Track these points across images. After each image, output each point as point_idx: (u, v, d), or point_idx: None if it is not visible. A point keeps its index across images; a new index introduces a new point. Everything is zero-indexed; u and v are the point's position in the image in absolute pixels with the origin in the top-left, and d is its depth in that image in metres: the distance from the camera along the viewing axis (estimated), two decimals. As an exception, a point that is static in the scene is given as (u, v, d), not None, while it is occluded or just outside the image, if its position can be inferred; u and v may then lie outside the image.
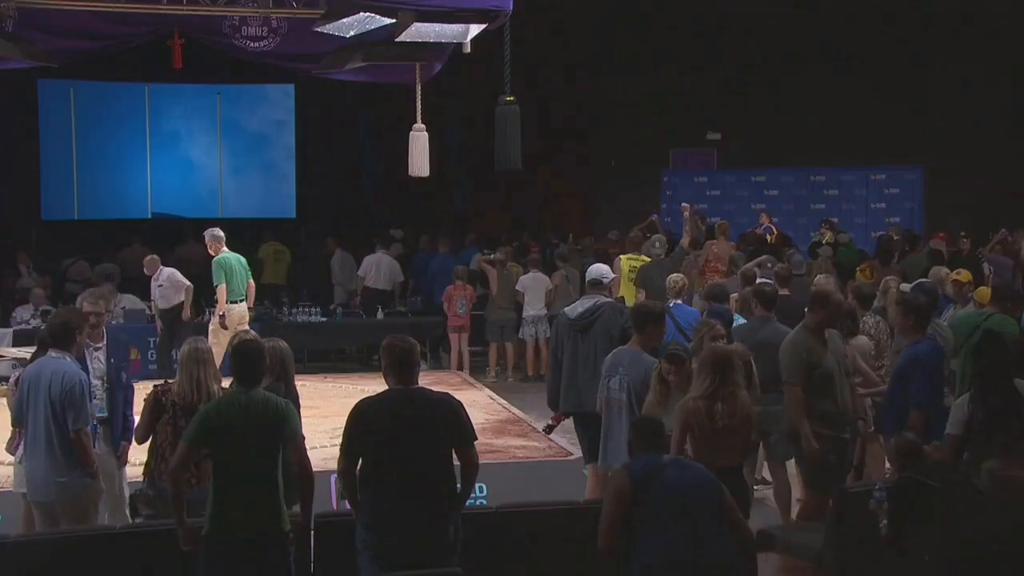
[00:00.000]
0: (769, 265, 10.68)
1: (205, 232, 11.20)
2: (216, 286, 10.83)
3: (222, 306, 10.77)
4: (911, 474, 5.23)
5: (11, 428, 6.39)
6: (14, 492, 6.54)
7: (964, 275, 9.37)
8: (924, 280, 9.65)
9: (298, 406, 5.93)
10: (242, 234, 16.90)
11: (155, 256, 12.74)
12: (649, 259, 11.65)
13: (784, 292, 9.13)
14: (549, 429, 7.96)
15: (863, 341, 7.80)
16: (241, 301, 10.94)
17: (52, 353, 6.03)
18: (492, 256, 13.68)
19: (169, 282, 12.30)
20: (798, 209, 19.33)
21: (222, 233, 11.10)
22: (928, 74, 18.53)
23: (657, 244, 11.60)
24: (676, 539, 4.63)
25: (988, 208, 17.03)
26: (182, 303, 12.27)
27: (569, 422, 7.68)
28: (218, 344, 10.38)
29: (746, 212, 18.81)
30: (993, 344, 5.92)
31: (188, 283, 12.24)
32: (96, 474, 6.08)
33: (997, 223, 16.02)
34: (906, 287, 9.19)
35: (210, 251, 11.02)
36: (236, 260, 11.00)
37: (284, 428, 5.04)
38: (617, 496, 4.78)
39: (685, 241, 11.89)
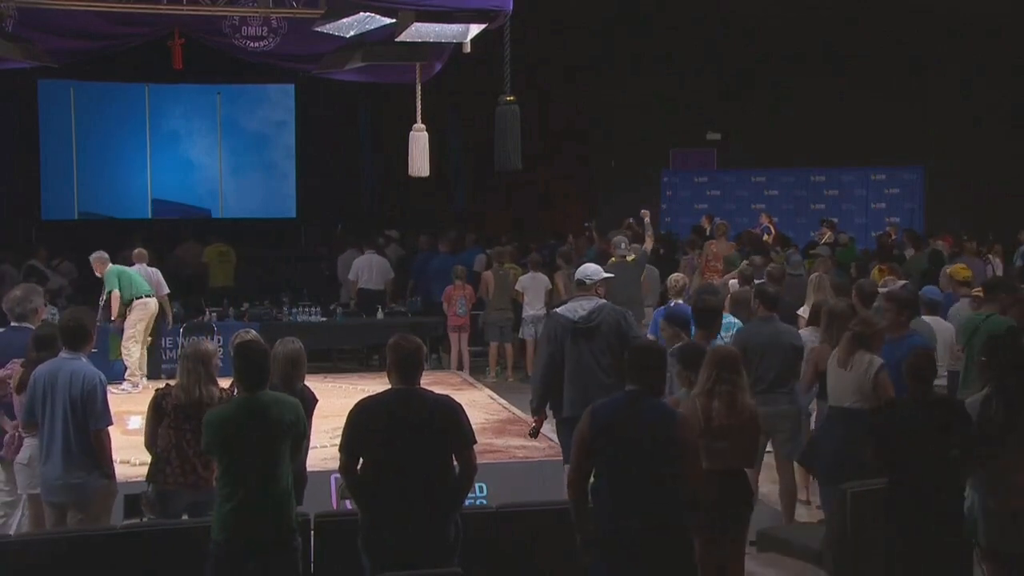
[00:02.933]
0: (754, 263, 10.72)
1: (91, 258, 11.91)
2: (109, 291, 11.54)
3: (115, 310, 11.48)
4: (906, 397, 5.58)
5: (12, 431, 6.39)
6: (20, 494, 6.53)
7: (962, 272, 9.36)
8: (906, 283, 9.70)
9: (309, 407, 5.93)
10: (242, 234, 17.03)
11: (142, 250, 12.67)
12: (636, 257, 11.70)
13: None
14: (535, 433, 7.58)
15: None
16: (150, 296, 11.73)
17: (64, 354, 6.02)
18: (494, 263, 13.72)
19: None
20: (798, 209, 19.36)
21: (105, 254, 11.85)
22: (928, 74, 18.54)
23: (623, 245, 11.59)
24: (625, 492, 4.70)
25: (988, 208, 17.04)
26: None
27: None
28: (135, 337, 11.60)
29: (746, 212, 18.84)
30: (1011, 343, 5.88)
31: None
32: (112, 475, 6.09)
33: (997, 223, 16.04)
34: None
35: (97, 273, 11.76)
36: (123, 268, 11.80)
37: (290, 430, 5.07)
38: (578, 441, 4.88)
39: (648, 245, 11.92)
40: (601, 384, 6.90)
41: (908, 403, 5.58)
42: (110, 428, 6.08)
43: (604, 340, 7.01)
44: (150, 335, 12.01)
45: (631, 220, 15.04)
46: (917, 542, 5.42)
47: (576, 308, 7.18)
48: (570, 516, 4.89)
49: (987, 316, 7.65)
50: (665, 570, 4.74)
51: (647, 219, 12.24)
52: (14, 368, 6.43)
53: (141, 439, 6.07)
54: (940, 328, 8.00)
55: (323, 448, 7.69)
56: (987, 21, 17.73)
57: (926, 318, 8.01)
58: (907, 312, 7.17)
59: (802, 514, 7.72)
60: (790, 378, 7.38)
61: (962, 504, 5.45)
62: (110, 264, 11.74)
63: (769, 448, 7.48)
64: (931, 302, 8.34)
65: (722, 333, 7.84)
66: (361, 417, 4.94)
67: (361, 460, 4.95)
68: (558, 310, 7.41)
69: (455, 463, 5.00)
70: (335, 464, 5.16)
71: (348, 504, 6.04)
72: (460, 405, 5.08)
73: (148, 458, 6.02)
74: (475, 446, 5.06)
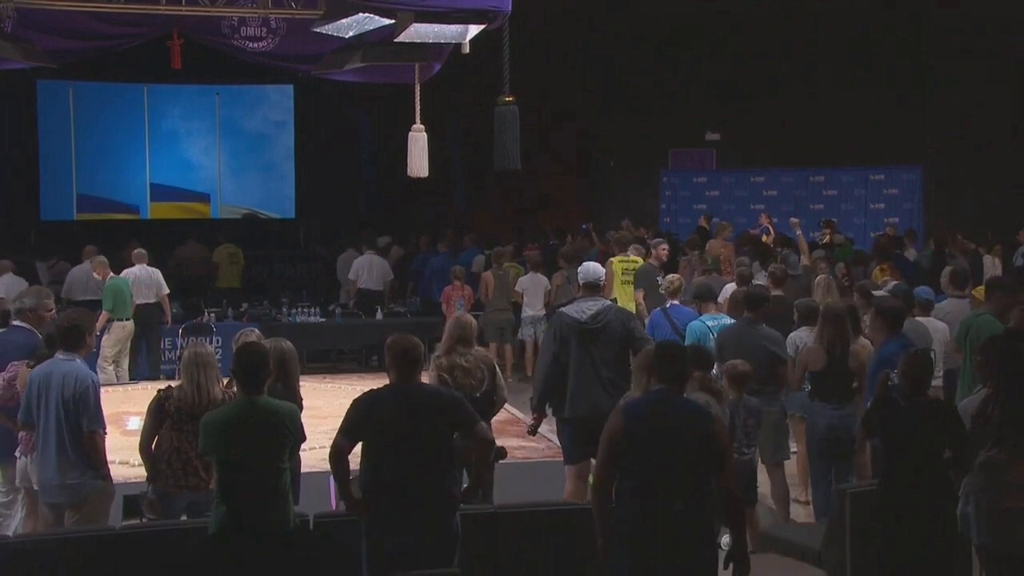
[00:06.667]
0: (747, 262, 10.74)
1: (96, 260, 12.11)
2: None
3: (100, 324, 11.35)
4: (895, 394, 5.62)
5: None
6: (20, 489, 6.54)
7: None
8: (899, 283, 9.71)
9: (300, 408, 5.94)
10: (241, 234, 17.03)
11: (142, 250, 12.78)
12: (639, 260, 11.70)
13: (777, 292, 9.15)
14: (534, 430, 7.60)
15: (868, 343, 7.76)
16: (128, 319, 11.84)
17: (60, 355, 6.02)
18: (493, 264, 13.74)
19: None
20: (797, 209, 19.25)
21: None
22: (928, 74, 18.54)
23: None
24: (658, 491, 4.61)
25: (988, 208, 17.02)
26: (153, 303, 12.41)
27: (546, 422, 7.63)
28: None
29: (745, 212, 18.80)
30: (1008, 345, 5.87)
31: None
32: (108, 476, 6.08)
33: (997, 223, 16.02)
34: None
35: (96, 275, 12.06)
36: (124, 283, 11.91)
37: (288, 433, 5.09)
38: (609, 441, 4.75)
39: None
40: (605, 386, 6.89)
41: (901, 404, 5.59)
42: (107, 428, 6.07)
43: (610, 341, 6.99)
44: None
45: (627, 221, 15.06)
46: (911, 543, 5.43)
47: (583, 309, 7.15)
48: (595, 518, 4.79)
49: (979, 315, 7.65)
50: (692, 569, 4.69)
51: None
52: (18, 369, 6.43)
53: (139, 439, 6.04)
54: (934, 328, 8.01)
55: (322, 448, 7.67)
56: (988, 20, 17.71)
57: (920, 318, 8.01)
58: (882, 318, 7.24)
59: (800, 514, 7.73)
60: (767, 382, 7.33)
61: (955, 505, 5.46)
62: (111, 273, 11.89)
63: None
64: (925, 302, 8.35)
65: (713, 334, 7.85)
66: (365, 406, 4.98)
67: (362, 461, 4.96)
68: (564, 309, 7.36)
69: (460, 466, 5.02)
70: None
71: (335, 482, 6.03)
72: (460, 395, 5.12)
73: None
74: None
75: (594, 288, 7.31)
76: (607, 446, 4.75)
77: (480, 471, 5.16)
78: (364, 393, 5.06)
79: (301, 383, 6.35)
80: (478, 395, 6.50)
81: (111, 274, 11.88)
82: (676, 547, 4.59)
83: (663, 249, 12.06)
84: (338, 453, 4.98)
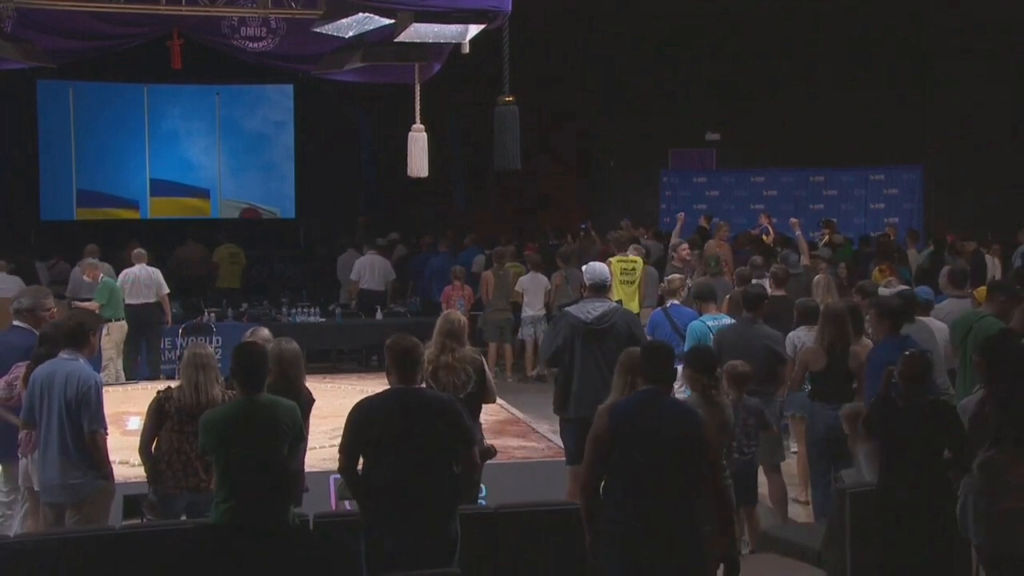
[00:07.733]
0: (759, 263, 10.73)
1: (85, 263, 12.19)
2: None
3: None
4: (893, 394, 5.65)
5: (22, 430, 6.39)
6: (22, 488, 6.55)
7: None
8: (906, 287, 9.71)
9: (306, 407, 5.93)
10: (241, 234, 17.04)
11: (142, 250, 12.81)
12: (638, 260, 11.70)
13: (779, 292, 9.14)
14: None
15: (868, 343, 7.75)
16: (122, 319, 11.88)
17: (64, 354, 6.01)
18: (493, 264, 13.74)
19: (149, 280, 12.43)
20: (797, 209, 19.25)
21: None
22: (928, 74, 18.54)
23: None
24: (646, 491, 4.59)
25: (988, 208, 17.03)
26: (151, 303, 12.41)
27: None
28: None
29: (745, 212, 18.82)
30: (1005, 345, 5.86)
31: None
32: (110, 475, 6.08)
33: (997, 223, 16.03)
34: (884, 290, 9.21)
35: (86, 277, 12.12)
36: (115, 286, 11.95)
37: (287, 432, 5.09)
38: (594, 442, 4.74)
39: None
40: (609, 386, 6.89)
41: (900, 404, 5.59)
42: (108, 428, 6.07)
43: (614, 343, 6.96)
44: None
45: (627, 221, 15.07)
46: (911, 543, 5.43)
47: (588, 309, 7.14)
48: (582, 518, 4.79)
49: (981, 316, 7.65)
50: (687, 569, 4.67)
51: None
52: (20, 371, 6.43)
53: (139, 440, 6.04)
54: (936, 328, 8.01)
55: (322, 448, 7.70)
56: (987, 20, 17.72)
57: (923, 318, 8.01)
58: (887, 318, 7.21)
59: (800, 514, 7.73)
60: (764, 382, 7.31)
61: (955, 505, 5.46)
62: (102, 275, 11.94)
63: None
64: (925, 302, 8.34)
65: (714, 334, 7.85)
66: (360, 418, 4.95)
67: (362, 461, 4.96)
68: (569, 309, 7.36)
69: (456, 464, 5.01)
70: (334, 464, 5.18)
71: (348, 504, 6.04)
72: (460, 404, 5.10)
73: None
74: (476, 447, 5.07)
75: (600, 289, 7.30)
76: (593, 446, 4.77)
77: (465, 493, 5.15)
78: (360, 402, 5.01)
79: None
80: (462, 396, 6.28)
81: (102, 275, 11.89)
82: (668, 547, 4.60)
83: (684, 250, 12.00)
84: (345, 472, 4.98)
